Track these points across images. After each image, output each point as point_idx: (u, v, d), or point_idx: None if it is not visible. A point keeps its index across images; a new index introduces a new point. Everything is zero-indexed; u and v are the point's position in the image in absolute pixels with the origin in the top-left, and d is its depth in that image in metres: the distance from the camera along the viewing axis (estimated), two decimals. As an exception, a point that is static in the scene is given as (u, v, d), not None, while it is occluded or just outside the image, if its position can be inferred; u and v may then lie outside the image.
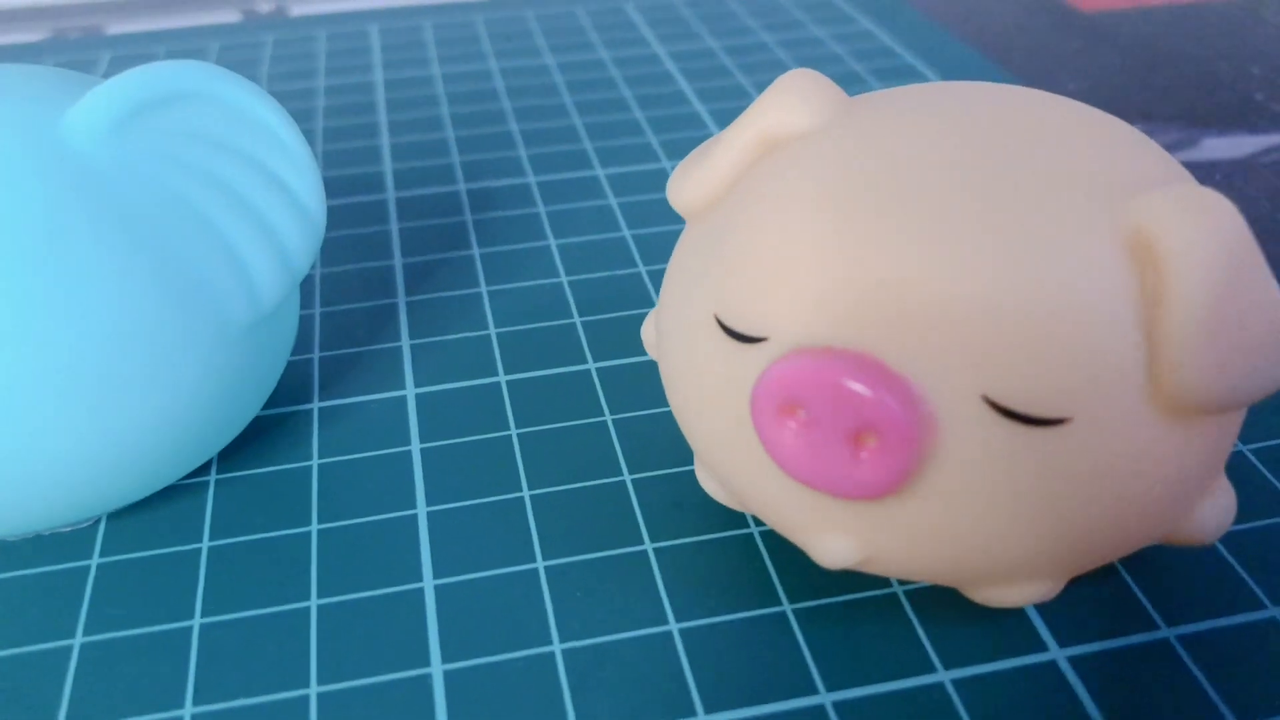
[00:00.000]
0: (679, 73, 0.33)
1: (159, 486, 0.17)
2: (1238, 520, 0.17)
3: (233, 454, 0.19)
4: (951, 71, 0.32)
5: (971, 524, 0.14)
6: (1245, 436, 0.19)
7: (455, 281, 0.23)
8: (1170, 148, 0.28)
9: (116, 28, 0.39)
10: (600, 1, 0.39)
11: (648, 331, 0.17)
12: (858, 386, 0.13)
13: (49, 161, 0.16)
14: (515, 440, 0.19)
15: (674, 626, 0.16)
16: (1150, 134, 0.29)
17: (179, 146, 0.17)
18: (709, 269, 0.15)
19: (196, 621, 0.16)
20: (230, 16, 0.40)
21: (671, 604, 0.16)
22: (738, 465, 0.15)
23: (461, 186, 0.27)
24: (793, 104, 0.16)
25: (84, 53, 0.36)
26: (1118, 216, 0.14)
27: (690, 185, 0.16)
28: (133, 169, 0.16)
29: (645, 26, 0.36)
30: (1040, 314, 0.13)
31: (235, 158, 0.17)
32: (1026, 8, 0.38)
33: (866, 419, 0.13)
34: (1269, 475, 0.18)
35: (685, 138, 0.29)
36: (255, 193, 0.17)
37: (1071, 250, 0.13)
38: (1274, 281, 0.14)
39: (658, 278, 0.23)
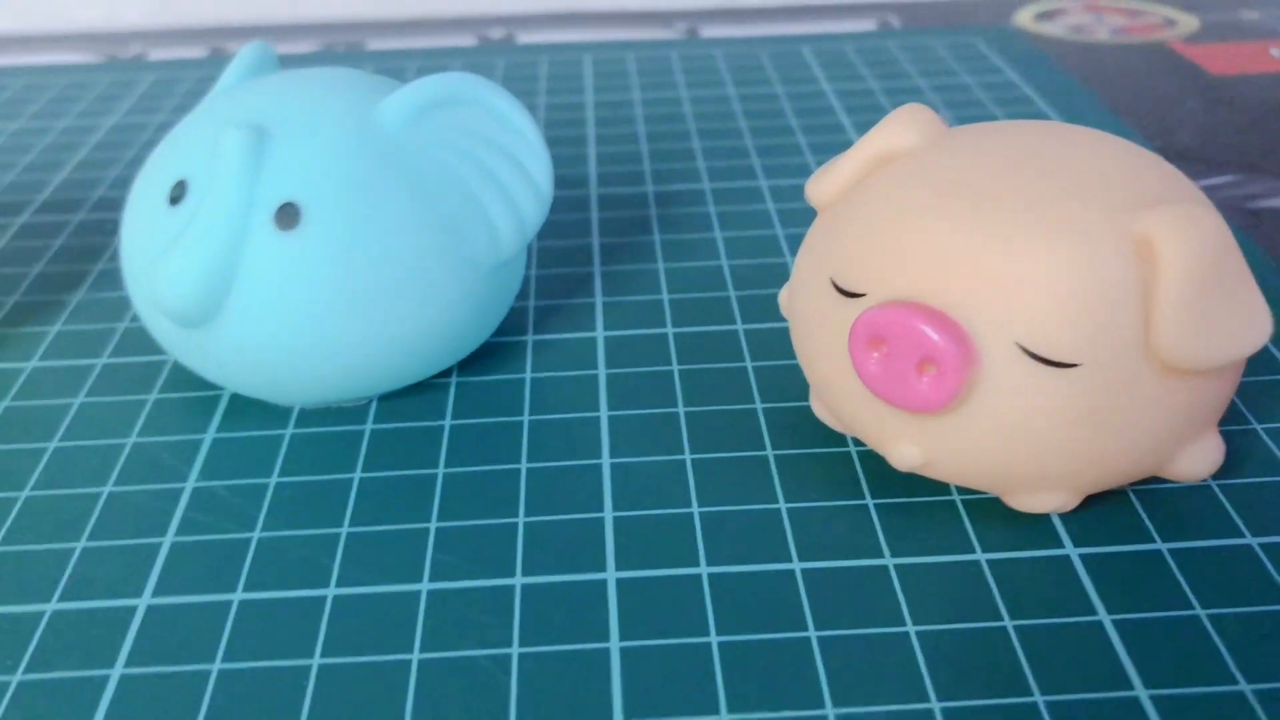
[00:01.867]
0: (840, 108, 0.38)
1: (417, 379, 0.24)
2: (1236, 474, 0.22)
3: (469, 364, 0.25)
4: (1077, 119, 0.36)
5: (1004, 439, 0.19)
6: (1261, 418, 0.23)
7: (639, 258, 0.29)
8: (1265, 194, 0.32)
9: (376, 44, 0.47)
10: (780, 45, 0.45)
11: (783, 297, 0.23)
12: (924, 328, 0.18)
13: (368, 137, 0.22)
14: (676, 375, 0.25)
15: (782, 506, 0.21)
16: (1244, 182, 0.33)
17: (454, 134, 0.23)
18: (829, 245, 0.21)
19: (440, 471, 0.22)
20: (467, 40, 0.47)
21: (783, 492, 0.22)
22: (841, 391, 0.21)
23: (649, 188, 0.33)
24: (902, 129, 0.21)
25: (349, 64, 0.43)
26: (1131, 223, 0.19)
27: (823, 184, 0.22)
28: (422, 147, 0.23)
29: (816, 67, 0.42)
30: (1064, 285, 0.18)
31: (491, 145, 0.23)
32: (1161, 70, 0.42)
33: (929, 353, 0.19)
34: (1273, 447, 0.22)
35: (838, 161, 0.34)
36: (503, 171, 0.23)
37: (1092, 243, 0.18)
38: (1248, 277, 0.19)
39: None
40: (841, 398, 0.21)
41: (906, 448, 0.20)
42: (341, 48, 0.47)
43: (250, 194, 0.21)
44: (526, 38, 0.48)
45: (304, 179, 0.21)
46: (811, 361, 0.21)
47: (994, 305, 0.18)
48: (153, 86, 0.43)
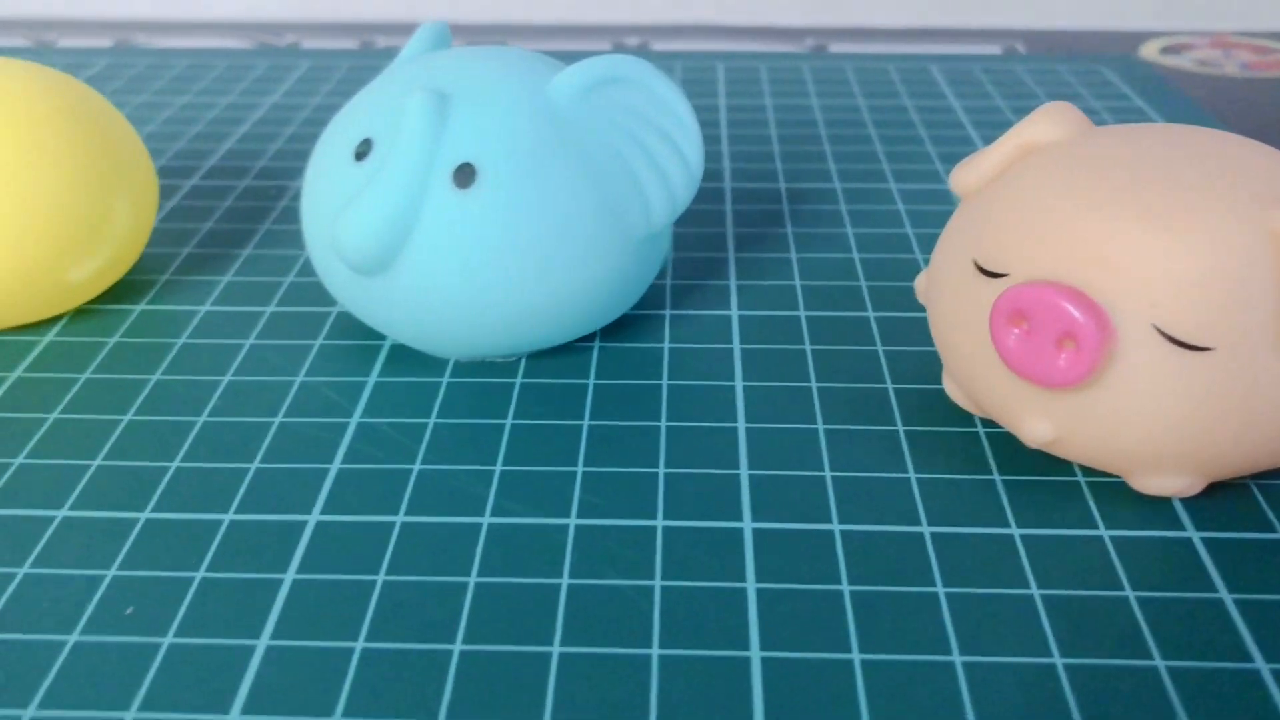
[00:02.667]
0: (968, 123, 0.39)
1: (566, 340, 0.25)
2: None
3: (611, 331, 0.27)
4: (1207, 145, 0.37)
5: (1134, 418, 0.20)
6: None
7: (772, 247, 0.31)
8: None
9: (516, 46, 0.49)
10: (908, 62, 0.46)
11: (920, 283, 0.24)
12: (1066, 305, 0.19)
13: (541, 108, 0.24)
14: (809, 354, 0.26)
15: (912, 475, 0.22)
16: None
17: (617, 112, 0.25)
18: (974, 229, 0.22)
19: (585, 422, 0.24)
20: (603, 46, 0.49)
21: (913, 462, 0.23)
22: (976, 369, 0.22)
23: (781, 184, 0.34)
24: (1050, 123, 0.22)
25: (494, 61, 0.45)
26: (1269, 218, 0.19)
27: (968, 173, 0.23)
28: (589, 121, 0.24)
29: (944, 84, 0.43)
30: (1201, 271, 0.19)
31: (649, 124, 0.25)
32: (1293, 102, 0.42)
33: (1068, 329, 0.19)
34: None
35: (966, 170, 0.35)
36: (659, 149, 0.25)
37: (1231, 233, 0.19)
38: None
39: (929, 259, 0.30)
40: (976, 375, 0.22)
41: (1039, 423, 0.21)
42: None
43: (432, 153, 0.23)
44: (661, 46, 0.50)
45: (482, 142, 0.23)
46: (948, 340, 0.22)
47: (1132, 287, 0.19)
48: (309, 71, 0.45)
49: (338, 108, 0.41)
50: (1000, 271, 0.21)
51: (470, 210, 0.23)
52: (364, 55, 0.47)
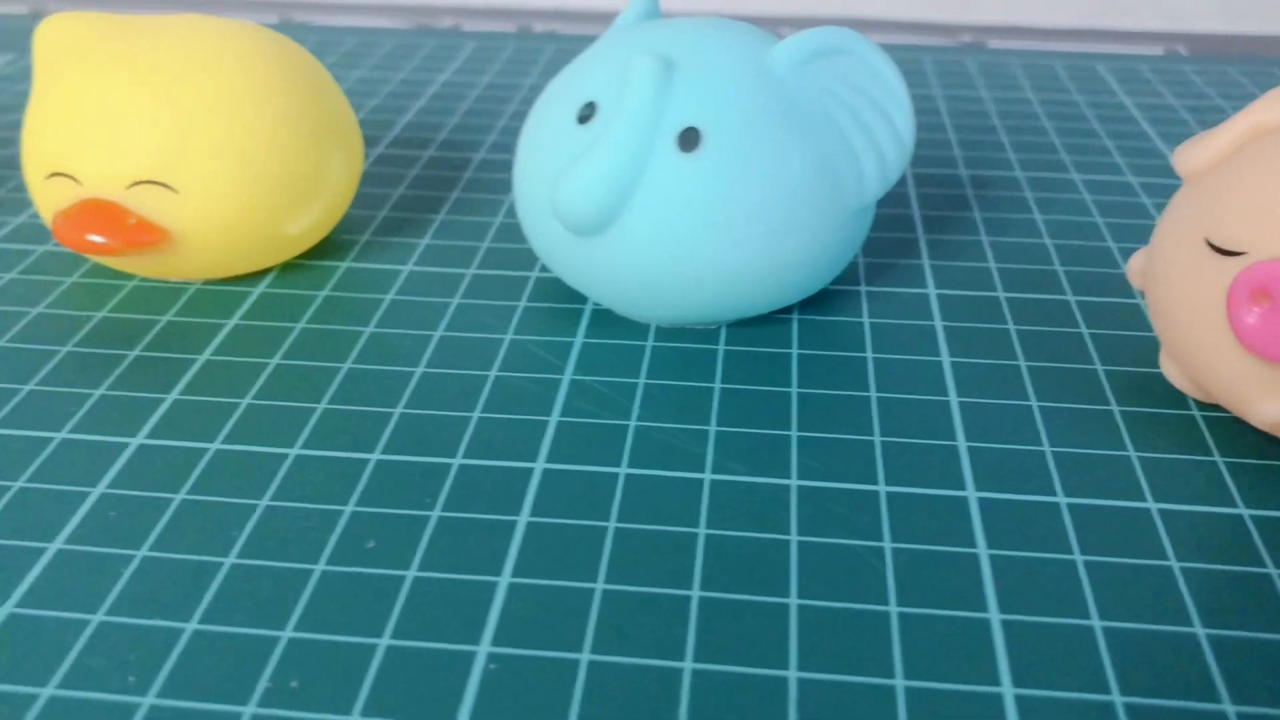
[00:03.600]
0: (1143, 119, 0.39)
1: (770, 309, 0.26)
2: None
3: (808, 304, 0.27)
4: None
5: (1381, 401, 0.20)
6: None
7: (961, 230, 0.31)
8: None
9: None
10: (1074, 59, 0.45)
11: (1135, 265, 0.24)
12: (1316, 284, 0.19)
13: (761, 76, 0.24)
14: (1013, 334, 0.26)
15: (1131, 453, 0.22)
16: None
17: (833, 81, 0.25)
18: (1205, 208, 0.22)
19: (794, 390, 0.24)
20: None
21: (1131, 441, 0.22)
22: (1202, 349, 0.21)
23: (963, 171, 0.34)
24: (1283, 103, 0.22)
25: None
26: None
27: (1194, 154, 0.23)
28: (807, 90, 0.24)
29: (1113, 82, 0.43)
30: None
31: (864, 95, 0.25)
32: None
33: (1316, 308, 0.19)
34: None
35: (1143, 164, 0.35)
36: (873, 120, 0.25)
37: None
38: None
39: (1124, 247, 0.29)
40: (1202, 356, 0.22)
41: (1273, 404, 0.21)
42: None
43: (658, 116, 0.23)
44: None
45: (706, 106, 0.23)
46: (1173, 320, 0.22)
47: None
48: (475, 52, 0.46)
49: (507, 87, 0.42)
50: (1238, 250, 0.21)
51: (694, 174, 0.23)
52: (525, 38, 0.48)
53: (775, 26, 0.52)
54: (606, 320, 0.26)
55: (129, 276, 0.28)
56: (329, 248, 0.30)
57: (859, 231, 0.26)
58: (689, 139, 0.23)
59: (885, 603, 0.19)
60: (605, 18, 0.53)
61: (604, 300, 0.26)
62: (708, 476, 0.22)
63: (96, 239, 0.25)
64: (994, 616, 0.18)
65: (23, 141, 0.27)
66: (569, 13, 0.53)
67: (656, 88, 0.23)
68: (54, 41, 0.27)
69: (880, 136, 0.25)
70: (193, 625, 0.18)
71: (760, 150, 0.23)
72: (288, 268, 0.29)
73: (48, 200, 0.26)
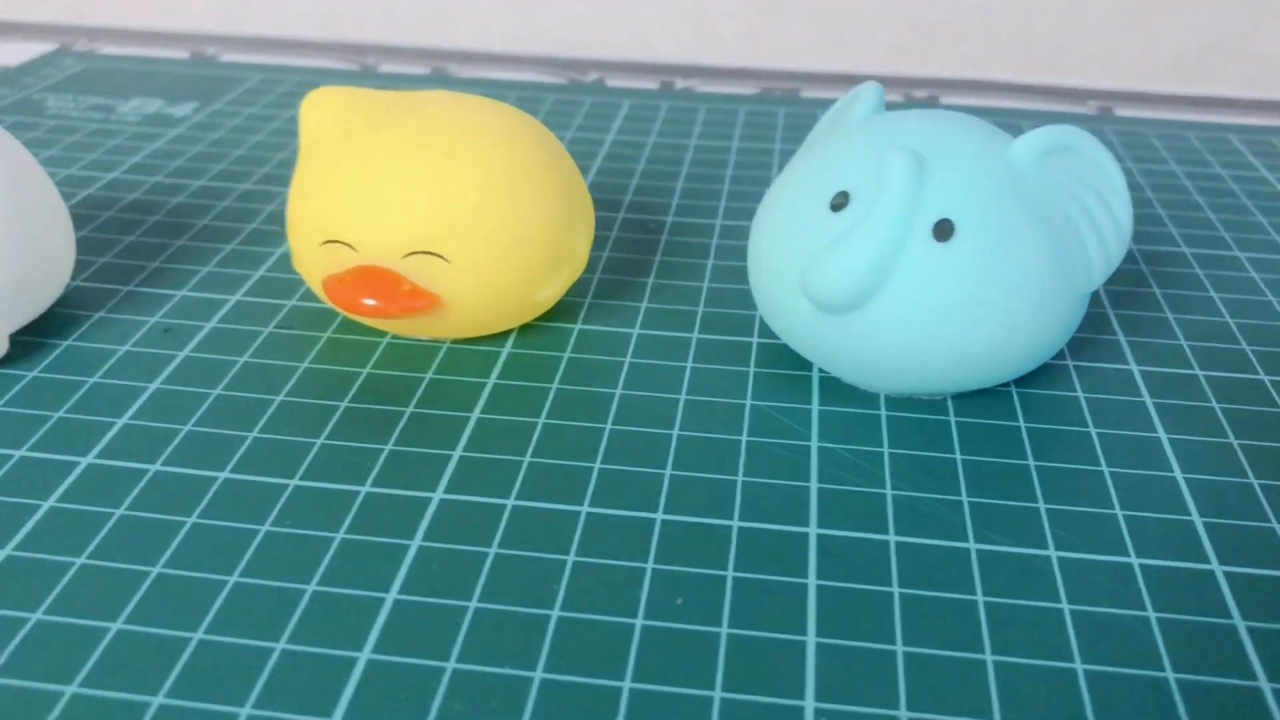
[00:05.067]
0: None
1: (996, 384, 0.28)
2: None
3: (1025, 378, 0.29)
4: None
5: None
6: None
7: (1146, 306, 0.32)
8: None
9: (809, 93, 0.52)
10: (1208, 130, 0.47)
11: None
12: None
13: (1005, 170, 0.26)
14: (1218, 411, 0.28)
15: (1357, 533, 0.24)
16: None
17: (1065, 177, 0.27)
18: None
19: (1031, 462, 0.26)
20: (894, 96, 0.52)
21: (1353, 521, 0.24)
22: None
23: (1134, 246, 0.36)
24: None
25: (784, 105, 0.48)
26: None
27: None
28: (1044, 184, 0.26)
29: (1250, 155, 0.44)
30: None
31: (1090, 189, 0.27)
32: None
33: None
34: None
35: (1308, 242, 0.37)
36: (1097, 211, 0.27)
37: None
38: None
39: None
40: None
41: None
42: (779, 93, 0.52)
43: (914, 207, 0.25)
44: (949, 100, 0.52)
45: (957, 199, 0.25)
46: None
47: None
48: (632, 110, 0.49)
49: (676, 148, 0.44)
50: None
51: (948, 262, 0.25)
52: (667, 95, 0.50)
53: (909, 89, 0.54)
54: (835, 388, 0.29)
55: (381, 334, 0.31)
56: (558, 309, 0.32)
57: (1081, 312, 0.28)
58: (943, 229, 0.25)
59: (1161, 669, 0.21)
60: (741, 74, 0.55)
61: (838, 372, 0.28)
62: (972, 546, 0.23)
63: (371, 303, 0.27)
64: (1265, 685, 0.20)
65: (289, 205, 0.29)
66: (707, 69, 0.56)
67: (913, 181, 0.25)
68: (321, 113, 0.29)
69: (1104, 225, 0.27)
70: (538, 674, 0.20)
71: (1006, 240, 0.25)
72: (525, 328, 0.31)
73: (319, 264, 0.29)
